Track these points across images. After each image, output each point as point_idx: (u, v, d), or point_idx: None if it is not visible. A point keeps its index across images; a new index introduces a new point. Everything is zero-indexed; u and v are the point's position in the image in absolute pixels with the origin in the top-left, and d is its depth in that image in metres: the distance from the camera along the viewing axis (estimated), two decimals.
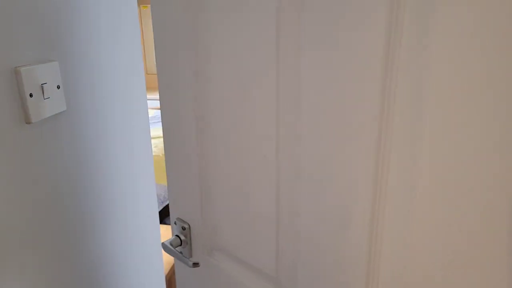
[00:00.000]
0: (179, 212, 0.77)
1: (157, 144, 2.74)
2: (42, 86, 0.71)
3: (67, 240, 0.85)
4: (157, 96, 4.07)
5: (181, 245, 0.78)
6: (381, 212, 0.46)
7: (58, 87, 0.75)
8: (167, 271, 1.45)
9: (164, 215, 2.88)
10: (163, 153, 2.65)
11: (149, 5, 4.31)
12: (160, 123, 3.25)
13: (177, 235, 0.78)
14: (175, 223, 0.78)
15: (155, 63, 3.87)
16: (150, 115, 3.39)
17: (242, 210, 0.64)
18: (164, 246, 0.76)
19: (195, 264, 0.74)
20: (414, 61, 0.39)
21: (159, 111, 3.46)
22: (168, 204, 2.85)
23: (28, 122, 0.70)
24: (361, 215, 0.48)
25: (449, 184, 0.40)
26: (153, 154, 2.58)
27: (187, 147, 0.68)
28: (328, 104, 0.47)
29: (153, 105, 4.02)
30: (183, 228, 0.76)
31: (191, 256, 0.78)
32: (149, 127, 1.12)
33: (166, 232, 1.65)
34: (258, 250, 0.64)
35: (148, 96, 4.10)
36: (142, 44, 4.39)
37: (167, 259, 1.49)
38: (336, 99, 0.47)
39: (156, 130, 3.06)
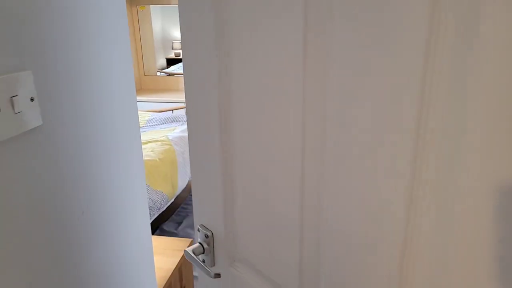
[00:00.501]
0: (202, 219, 0.76)
1: (154, 148, 2.67)
2: (12, 99, 0.64)
3: (51, 262, 0.78)
4: (155, 98, 4.01)
5: (203, 253, 0.76)
6: (415, 237, 0.43)
7: (32, 99, 0.68)
8: (161, 287, 1.38)
9: (160, 221, 2.82)
10: (160, 157, 2.58)
11: (146, 6, 4.24)
12: (157, 127, 3.19)
13: (200, 243, 0.77)
14: (198, 230, 0.77)
15: (153, 64, 3.81)
16: (147, 118, 3.32)
17: (264, 221, 0.63)
18: (186, 253, 0.74)
19: (217, 275, 0.73)
20: (458, 67, 0.35)
21: (157, 114, 3.40)
22: (164, 211, 2.78)
23: None
24: (393, 232, 0.45)
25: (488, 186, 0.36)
26: (150, 158, 2.51)
27: (211, 152, 0.68)
28: (356, 112, 0.45)
29: (150, 107, 3.95)
30: (206, 236, 0.75)
31: (213, 264, 0.77)
32: (140, 134, 1.05)
33: (161, 244, 1.58)
34: (281, 264, 0.62)
35: (146, 98, 4.04)
36: (139, 45, 4.33)
37: (162, 274, 1.42)
38: (364, 105, 0.44)
39: (153, 134, 2.99)
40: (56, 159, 0.77)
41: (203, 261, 0.77)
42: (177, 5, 4.18)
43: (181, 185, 2.67)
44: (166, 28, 4.59)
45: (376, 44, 0.41)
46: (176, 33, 4.67)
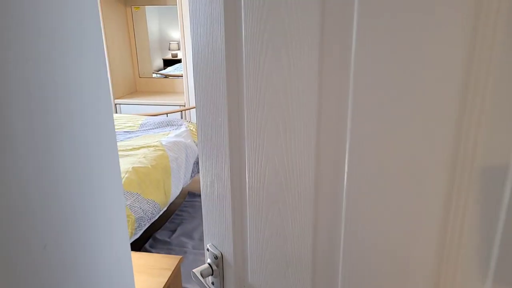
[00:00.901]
0: (212, 238, 0.73)
1: (147, 154, 2.57)
2: None
3: None
4: (149, 101, 3.91)
5: (212, 274, 0.72)
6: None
7: None
8: None
9: (153, 230, 2.72)
10: (152, 164, 2.48)
11: (141, 6, 4.15)
12: (151, 131, 3.09)
13: (209, 264, 0.73)
14: (207, 249, 0.75)
15: (149, 66, 3.74)
16: (140, 122, 3.22)
17: (274, 251, 0.60)
18: (193, 275, 0.70)
19: None
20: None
21: (151, 117, 3.30)
22: (157, 218, 2.68)
23: None
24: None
25: None
26: (142, 165, 2.42)
27: (221, 170, 0.66)
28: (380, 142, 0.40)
29: (145, 110, 3.86)
30: (215, 257, 0.72)
31: None
32: (117, 147, 0.95)
33: (147, 261, 1.48)
34: None
35: (140, 101, 3.95)
36: (134, 46, 4.23)
37: None
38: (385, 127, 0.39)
39: (146, 138, 2.89)
40: (8, 183, 0.67)
41: (212, 283, 0.73)
42: (173, 6, 4.08)
43: (174, 192, 2.58)
44: (163, 28, 4.49)
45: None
46: (173, 34, 4.57)
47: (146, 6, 4.16)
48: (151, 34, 4.35)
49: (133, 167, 2.35)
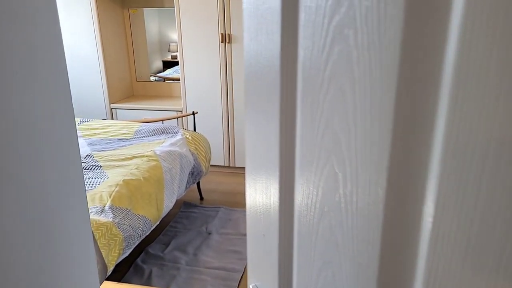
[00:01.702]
0: (256, 279, 0.70)
1: (139, 165, 2.47)
2: None
3: None
4: (146, 106, 3.81)
5: None
6: None
7: None
8: None
9: (146, 243, 2.62)
10: (145, 176, 2.38)
11: (138, 9, 4.05)
12: (145, 139, 2.99)
13: None
14: None
15: (146, 69, 3.62)
16: (135, 129, 3.12)
17: None
18: None
19: None
20: None
21: (146, 124, 3.19)
22: (145, 237, 2.57)
23: None
24: None
25: None
26: (133, 178, 2.31)
27: (268, 209, 0.61)
28: None
29: (141, 115, 3.75)
30: None
31: None
32: (84, 189, 0.84)
33: None
34: None
35: (136, 106, 3.85)
36: (131, 49, 4.13)
37: None
38: None
39: (140, 147, 2.79)
40: None
41: None
42: (171, 8, 3.97)
43: (167, 206, 2.47)
44: (163, 30, 4.40)
45: None
46: (173, 36, 4.47)
47: (144, 8, 4.06)
48: (150, 36, 4.25)
49: (123, 180, 2.24)
